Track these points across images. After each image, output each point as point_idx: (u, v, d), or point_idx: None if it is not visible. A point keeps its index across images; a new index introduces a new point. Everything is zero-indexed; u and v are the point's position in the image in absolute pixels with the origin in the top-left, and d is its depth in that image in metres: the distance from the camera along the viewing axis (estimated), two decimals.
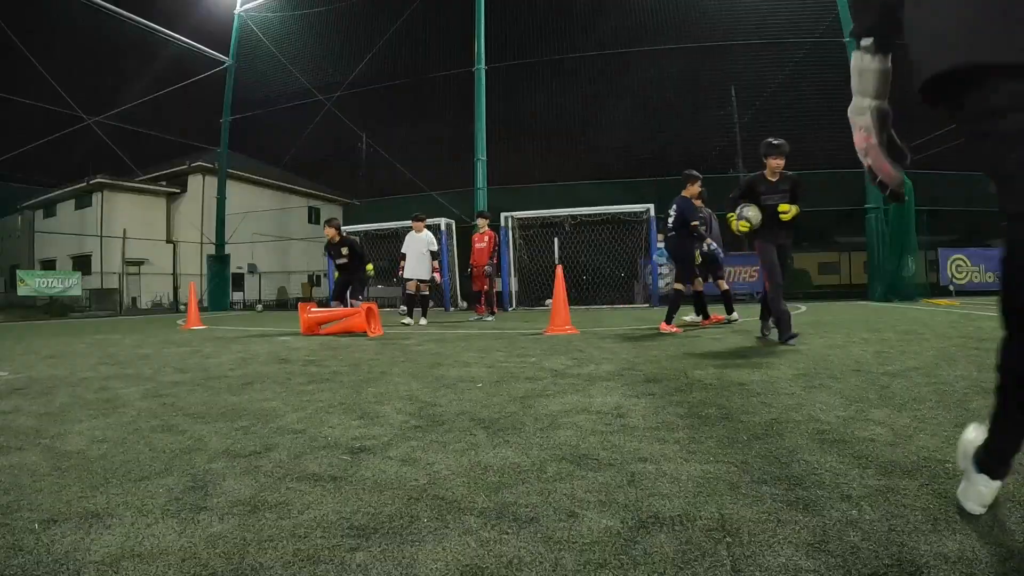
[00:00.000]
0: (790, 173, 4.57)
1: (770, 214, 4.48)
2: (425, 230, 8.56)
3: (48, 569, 1.04)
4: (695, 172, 6.01)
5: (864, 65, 1.17)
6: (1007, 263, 1.01)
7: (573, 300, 7.13)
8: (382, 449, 1.79)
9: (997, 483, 1.12)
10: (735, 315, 6.79)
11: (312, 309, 6.79)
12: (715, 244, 6.45)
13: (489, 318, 8.76)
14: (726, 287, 6.90)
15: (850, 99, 1.21)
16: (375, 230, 15.36)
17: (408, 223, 9.05)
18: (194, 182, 23.23)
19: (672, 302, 5.80)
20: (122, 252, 18.90)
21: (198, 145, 21.40)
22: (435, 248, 8.53)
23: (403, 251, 8.55)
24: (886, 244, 12.49)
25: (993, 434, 1.09)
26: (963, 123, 0.96)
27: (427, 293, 8.59)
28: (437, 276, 8.48)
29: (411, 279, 8.32)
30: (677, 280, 5.86)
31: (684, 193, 5.89)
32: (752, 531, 1.13)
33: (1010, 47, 0.81)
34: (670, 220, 5.83)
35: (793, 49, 14.58)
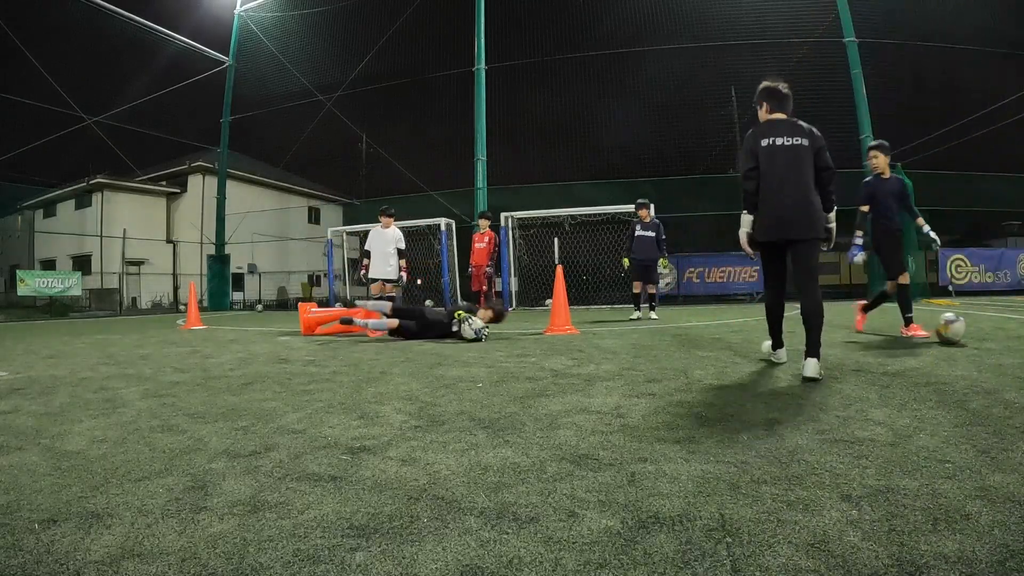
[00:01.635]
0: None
1: None
2: (393, 226, 7.88)
3: (48, 569, 1.04)
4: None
5: (746, 219, 3.03)
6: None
7: (573, 300, 7.13)
8: (382, 449, 1.79)
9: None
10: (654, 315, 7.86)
11: (312, 309, 6.79)
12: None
13: None
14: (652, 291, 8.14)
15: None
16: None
17: (413, 223, 8.87)
18: (194, 182, 23.22)
19: (902, 300, 4.74)
20: (122, 252, 18.90)
21: (198, 145, 21.41)
22: (402, 246, 7.74)
23: (367, 247, 7.89)
24: None
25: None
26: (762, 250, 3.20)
27: (394, 295, 7.82)
28: (405, 275, 7.83)
29: (376, 279, 7.63)
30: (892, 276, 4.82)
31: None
32: (752, 531, 1.13)
33: (766, 236, 3.05)
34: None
35: (793, 49, 14.60)
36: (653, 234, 7.75)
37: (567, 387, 2.77)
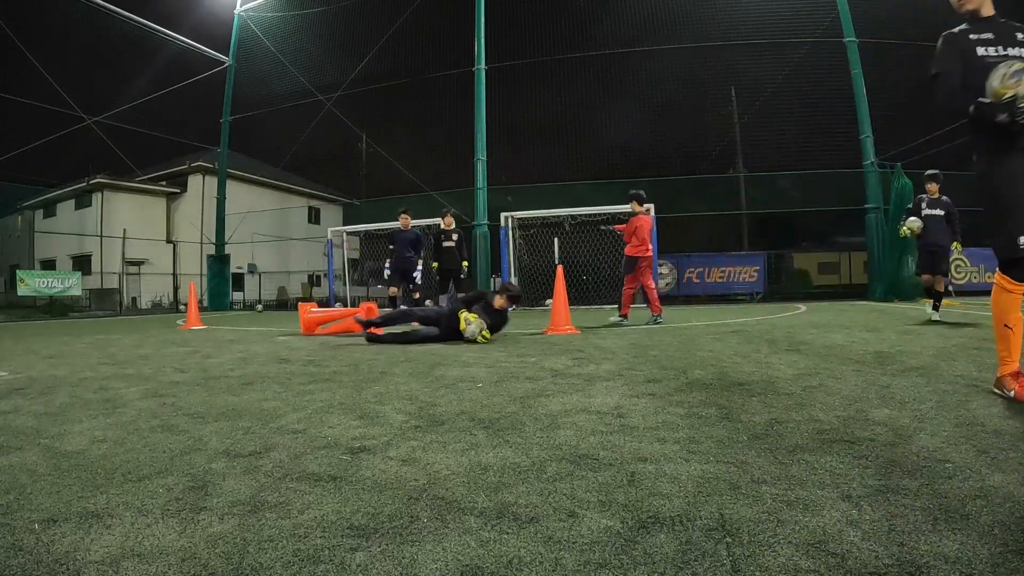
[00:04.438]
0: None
1: None
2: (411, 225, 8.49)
3: (48, 569, 1.04)
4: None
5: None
6: None
7: (573, 300, 7.13)
8: (382, 449, 1.79)
9: None
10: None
11: (312, 309, 6.79)
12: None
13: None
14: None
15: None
16: (375, 230, 15.37)
17: (413, 223, 8.77)
18: (194, 182, 23.23)
19: None
20: (122, 252, 18.91)
21: (198, 145, 21.43)
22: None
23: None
24: (886, 244, 12.49)
25: None
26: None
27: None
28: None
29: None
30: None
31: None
32: (752, 531, 1.13)
33: None
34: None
35: (793, 49, 14.60)
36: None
37: (567, 387, 2.77)
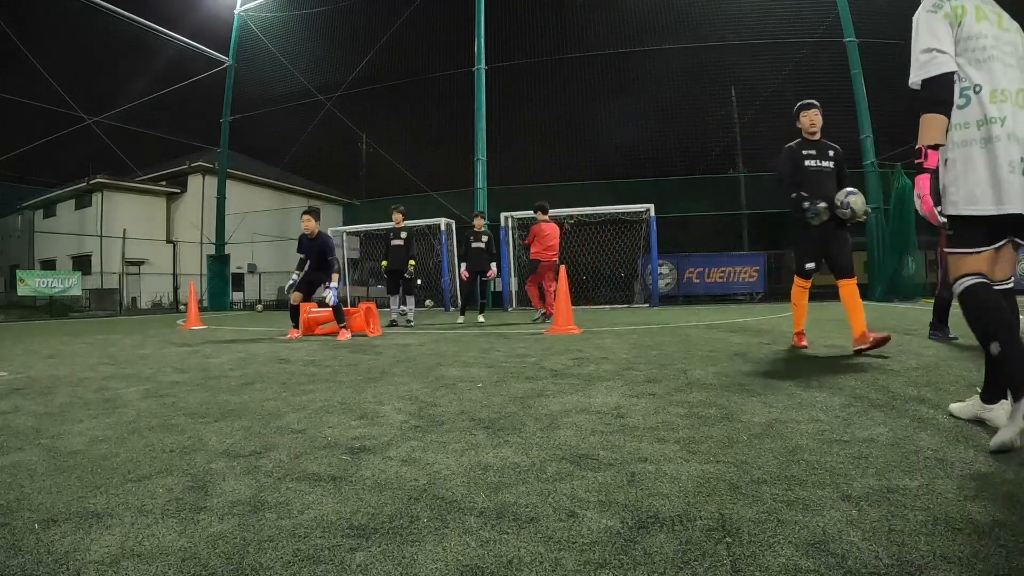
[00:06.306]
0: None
1: None
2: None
3: (48, 569, 1.04)
4: None
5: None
6: None
7: (573, 300, 7.12)
8: (382, 449, 1.79)
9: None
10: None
11: (312, 309, 6.78)
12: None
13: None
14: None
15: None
16: (375, 230, 15.38)
17: (413, 223, 8.70)
18: (194, 182, 23.21)
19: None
20: (122, 252, 18.91)
21: (198, 145, 21.42)
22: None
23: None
24: (886, 244, 12.49)
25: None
26: None
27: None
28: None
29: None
30: None
31: None
32: (752, 531, 1.13)
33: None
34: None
35: (793, 49, 14.59)
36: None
37: (567, 387, 2.77)
